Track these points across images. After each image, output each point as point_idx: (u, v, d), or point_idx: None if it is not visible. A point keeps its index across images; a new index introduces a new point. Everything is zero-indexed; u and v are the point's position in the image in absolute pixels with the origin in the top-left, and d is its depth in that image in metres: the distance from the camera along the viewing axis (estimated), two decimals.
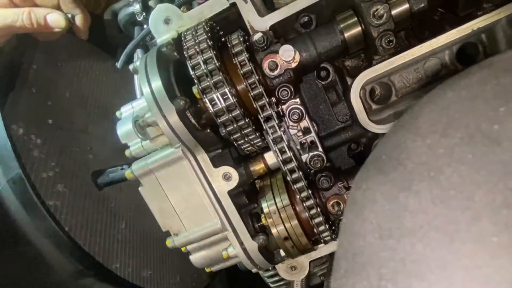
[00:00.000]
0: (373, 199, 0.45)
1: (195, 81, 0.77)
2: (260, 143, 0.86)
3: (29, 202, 1.10)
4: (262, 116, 0.79)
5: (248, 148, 0.88)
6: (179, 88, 0.81)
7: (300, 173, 0.81)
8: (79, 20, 1.06)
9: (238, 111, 0.77)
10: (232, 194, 0.87)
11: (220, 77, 0.76)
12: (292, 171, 0.82)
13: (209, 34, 0.79)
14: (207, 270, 0.98)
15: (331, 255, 1.02)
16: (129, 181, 0.90)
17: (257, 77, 0.76)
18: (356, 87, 0.82)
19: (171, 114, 0.77)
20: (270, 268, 1.03)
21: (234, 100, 0.76)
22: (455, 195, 0.37)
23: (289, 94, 0.79)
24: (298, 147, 0.85)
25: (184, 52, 0.79)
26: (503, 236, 0.34)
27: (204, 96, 0.77)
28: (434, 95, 0.49)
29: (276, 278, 1.18)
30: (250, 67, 0.76)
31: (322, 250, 0.96)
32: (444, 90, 0.47)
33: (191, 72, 0.77)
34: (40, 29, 0.98)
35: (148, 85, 0.79)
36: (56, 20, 0.99)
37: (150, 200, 0.90)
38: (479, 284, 0.33)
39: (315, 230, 0.86)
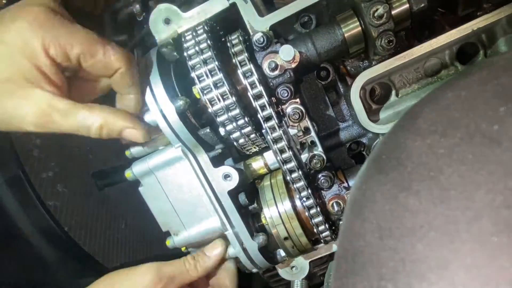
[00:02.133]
0: (373, 199, 0.45)
1: (195, 81, 0.77)
2: (260, 143, 0.86)
3: (28, 202, 1.10)
4: (262, 115, 0.79)
5: (248, 148, 0.88)
6: (179, 88, 0.81)
7: (300, 172, 0.81)
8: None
9: (238, 111, 0.77)
10: (232, 194, 0.87)
11: (220, 77, 0.76)
12: (292, 170, 0.82)
13: (209, 34, 0.79)
14: None
15: (331, 255, 1.02)
16: (129, 181, 0.90)
17: (257, 77, 0.76)
18: (356, 87, 0.82)
19: (171, 114, 0.77)
20: (270, 268, 1.03)
21: (234, 99, 0.76)
22: (455, 195, 0.37)
23: (289, 94, 0.79)
24: (298, 147, 0.85)
25: (184, 52, 0.79)
26: (503, 236, 0.34)
27: (204, 95, 0.77)
28: (434, 95, 0.49)
29: (276, 278, 1.18)
30: (250, 67, 0.76)
31: (322, 250, 0.96)
32: (444, 90, 0.48)
33: (191, 72, 0.77)
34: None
35: (148, 85, 0.79)
36: (132, 135, 0.78)
37: (150, 200, 0.90)
38: (479, 284, 0.33)
39: (315, 230, 0.86)
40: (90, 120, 0.71)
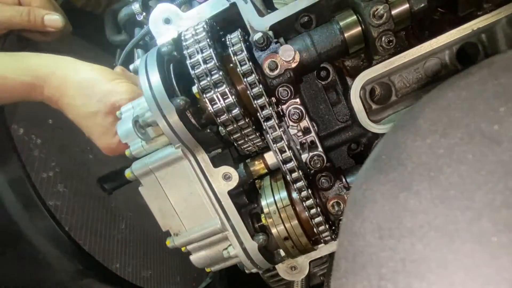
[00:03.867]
0: (373, 199, 0.45)
1: (195, 81, 0.77)
2: (260, 143, 0.86)
3: (29, 202, 1.10)
4: (262, 115, 0.79)
5: (248, 148, 0.88)
6: (179, 88, 0.81)
7: (300, 173, 0.81)
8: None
9: (238, 111, 0.77)
10: (232, 194, 0.87)
11: (220, 77, 0.76)
12: (292, 170, 0.82)
13: (209, 34, 0.79)
14: (207, 270, 0.98)
15: (331, 255, 1.02)
16: (134, 182, 0.90)
17: (257, 77, 0.76)
18: (356, 87, 0.82)
19: (171, 114, 0.77)
20: (270, 268, 1.03)
21: (234, 99, 0.76)
22: (455, 195, 0.37)
23: (289, 94, 0.79)
24: (298, 147, 0.85)
25: (184, 52, 0.79)
26: (503, 236, 0.34)
27: (204, 95, 0.77)
28: (434, 95, 0.49)
29: (276, 278, 1.18)
30: (250, 67, 0.76)
31: (322, 250, 0.96)
32: (444, 90, 0.47)
33: (191, 72, 0.77)
34: (36, 27, 1.04)
35: (148, 85, 0.79)
36: (53, 20, 1.04)
37: (150, 200, 0.90)
38: (479, 284, 0.33)
39: (315, 230, 0.86)
40: (20, 8, 0.99)
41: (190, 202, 0.88)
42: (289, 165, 0.81)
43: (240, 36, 0.80)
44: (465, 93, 0.44)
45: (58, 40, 1.17)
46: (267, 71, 0.77)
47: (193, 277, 1.61)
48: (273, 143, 0.81)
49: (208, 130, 0.82)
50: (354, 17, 0.79)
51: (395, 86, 0.88)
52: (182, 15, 0.85)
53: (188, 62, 0.77)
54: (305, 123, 0.83)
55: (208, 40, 0.78)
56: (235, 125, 0.79)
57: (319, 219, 0.84)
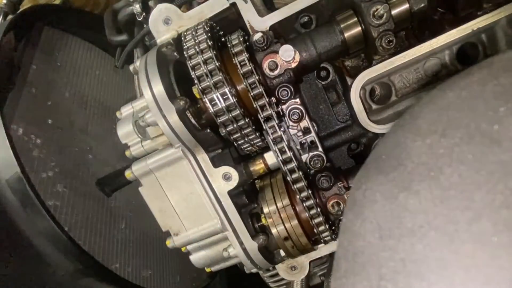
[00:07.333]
0: (373, 199, 0.45)
1: (195, 81, 0.77)
2: (260, 143, 0.86)
3: (28, 202, 1.10)
4: (262, 116, 0.79)
5: (248, 148, 0.88)
6: (179, 88, 0.81)
7: (300, 173, 0.81)
8: None
9: (238, 111, 0.77)
10: (232, 194, 0.87)
11: (220, 77, 0.76)
12: (292, 171, 0.82)
13: (209, 34, 0.79)
14: (207, 270, 0.98)
15: (331, 255, 1.02)
16: (133, 182, 0.90)
17: (257, 77, 0.76)
18: (356, 87, 0.82)
19: (171, 114, 0.77)
20: (270, 268, 1.03)
21: (234, 100, 0.76)
22: (455, 195, 0.37)
23: (289, 94, 0.79)
24: (298, 147, 0.85)
25: (184, 52, 0.79)
26: (503, 236, 0.34)
27: (204, 96, 0.77)
28: (434, 95, 0.49)
29: (276, 278, 1.18)
30: (250, 67, 0.76)
31: (322, 250, 0.96)
32: (444, 90, 0.47)
33: (191, 72, 0.77)
34: None
35: (148, 85, 0.79)
36: None
37: (150, 200, 0.90)
38: (479, 284, 0.33)
39: (315, 230, 0.86)
40: None
41: (190, 202, 0.88)
42: (289, 166, 0.81)
43: (240, 37, 0.80)
44: (465, 93, 0.44)
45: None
46: (267, 71, 0.77)
47: (193, 277, 1.61)
48: (273, 144, 0.81)
49: (208, 130, 0.82)
50: (354, 17, 0.79)
51: (395, 86, 0.88)
52: (182, 15, 0.85)
53: (188, 63, 0.77)
54: (305, 123, 0.83)
55: (208, 41, 0.78)
56: (235, 125, 0.79)
57: (319, 219, 0.84)
